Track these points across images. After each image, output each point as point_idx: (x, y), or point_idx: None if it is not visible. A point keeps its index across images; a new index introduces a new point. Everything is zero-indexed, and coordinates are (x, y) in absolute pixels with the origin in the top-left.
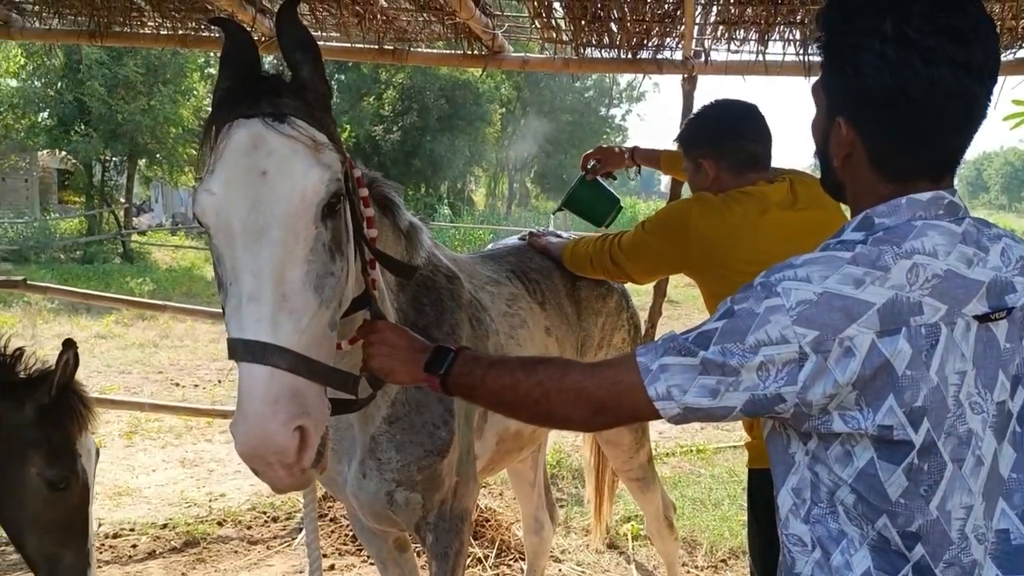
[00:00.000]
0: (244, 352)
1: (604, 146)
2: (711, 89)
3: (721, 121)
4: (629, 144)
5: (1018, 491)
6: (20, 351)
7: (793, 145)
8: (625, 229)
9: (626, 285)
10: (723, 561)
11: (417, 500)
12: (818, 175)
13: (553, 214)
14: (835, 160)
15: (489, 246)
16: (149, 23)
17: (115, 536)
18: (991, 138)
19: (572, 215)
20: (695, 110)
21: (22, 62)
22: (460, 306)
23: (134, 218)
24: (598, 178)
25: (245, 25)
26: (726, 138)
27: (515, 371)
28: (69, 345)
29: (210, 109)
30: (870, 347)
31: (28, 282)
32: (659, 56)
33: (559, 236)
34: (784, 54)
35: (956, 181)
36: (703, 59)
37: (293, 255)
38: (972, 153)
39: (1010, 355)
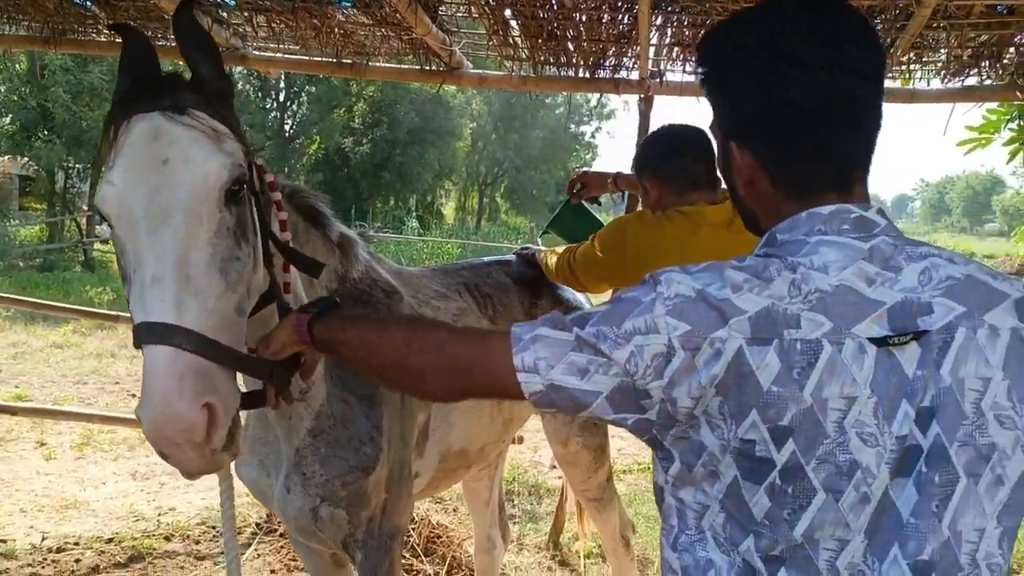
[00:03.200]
0: (148, 334)
1: (589, 171)
2: (669, 109)
3: (662, 143)
4: (600, 162)
5: (914, 538)
6: None
7: None
8: None
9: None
10: None
11: (342, 516)
12: None
13: (540, 237)
14: (740, 190)
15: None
16: (104, 31)
17: (59, 550)
18: (954, 163)
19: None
20: (650, 130)
21: None
22: None
23: (96, 226)
24: (583, 202)
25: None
26: (666, 159)
27: (379, 328)
28: None
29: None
30: (737, 353)
31: None
32: (616, 76)
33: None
34: None
35: (918, 204)
36: (659, 80)
37: (197, 238)
38: (935, 176)
39: (920, 384)
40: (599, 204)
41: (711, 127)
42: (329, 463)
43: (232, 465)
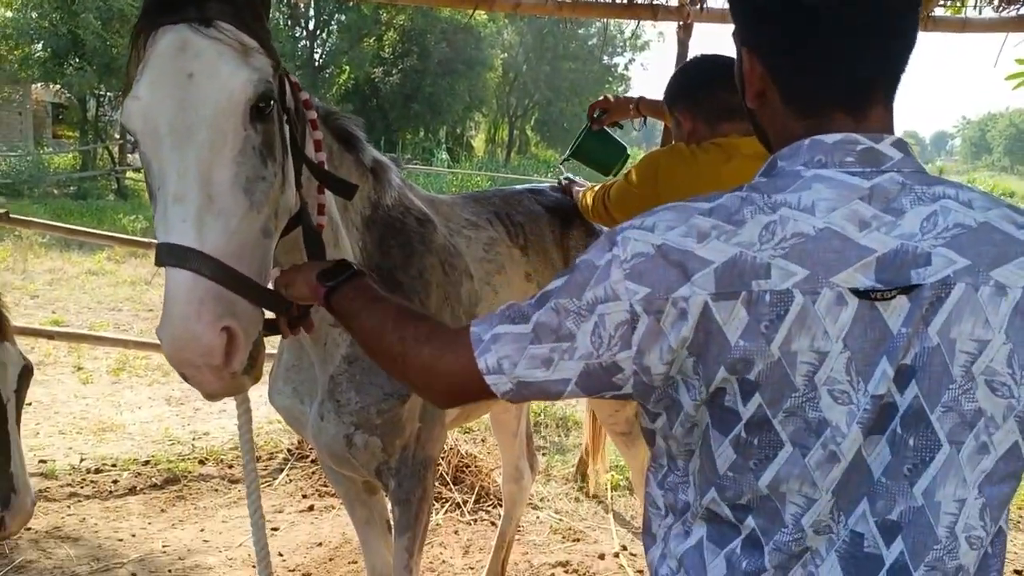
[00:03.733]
0: (168, 255)
1: (610, 96)
2: (709, 38)
3: (695, 74)
4: (633, 94)
5: (884, 497)
6: None
7: None
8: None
9: None
10: None
11: (376, 444)
12: None
13: (560, 164)
14: (750, 102)
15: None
16: None
17: (96, 471)
18: (997, 99)
19: (580, 164)
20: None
21: None
22: (431, 251)
23: (128, 155)
24: (604, 127)
25: None
26: (699, 89)
27: (387, 317)
28: None
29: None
30: (703, 310)
31: (11, 215)
32: (655, 2)
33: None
34: None
35: (959, 142)
36: (699, 6)
37: (221, 156)
38: (976, 113)
39: (904, 342)
40: (620, 128)
41: (732, 36)
42: (364, 390)
43: (264, 391)
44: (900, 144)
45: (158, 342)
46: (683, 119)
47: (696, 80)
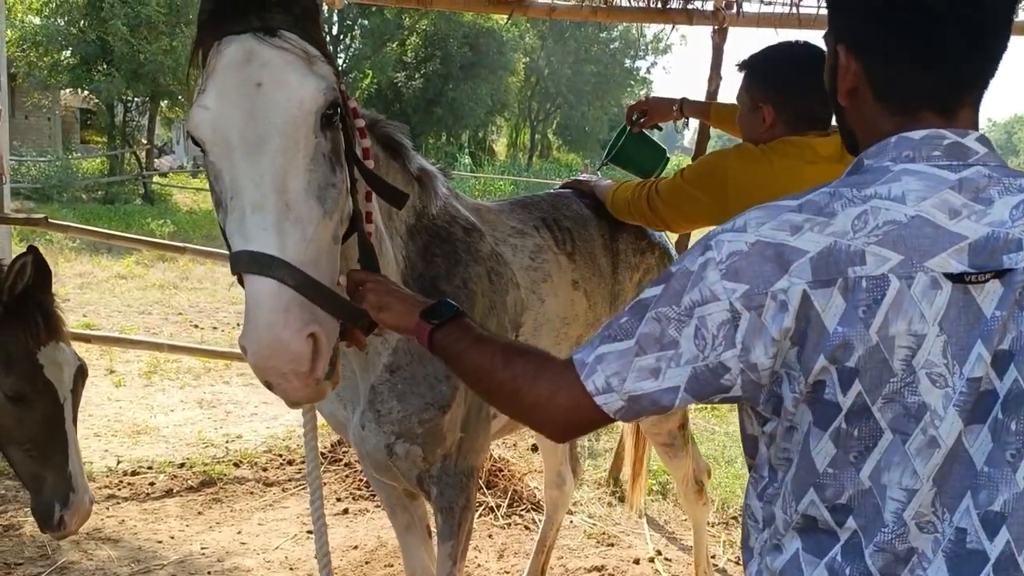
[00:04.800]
0: (250, 263)
1: (651, 97)
2: (742, 42)
3: (799, 72)
4: (653, 94)
5: (987, 488)
6: None
7: None
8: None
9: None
10: (734, 518)
11: (417, 453)
12: None
13: (598, 170)
14: (841, 99)
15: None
16: None
17: (133, 473)
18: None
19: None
20: (741, 59)
21: None
22: (477, 260)
23: (155, 159)
24: (644, 131)
25: None
26: (797, 93)
27: (496, 355)
28: (30, 251)
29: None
30: (802, 299)
31: (49, 220)
32: (689, 6)
33: (604, 181)
34: (819, 7)
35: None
36: (735, 10)
37: (295, 164)
38: (1003, 115)
39: (998, 325)
40: (660, 130)
41: (824, 37)
42: (406, 400)
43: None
44: (984, 139)
45: (190, 345)
46: (767, 113)
47: (797, 81)
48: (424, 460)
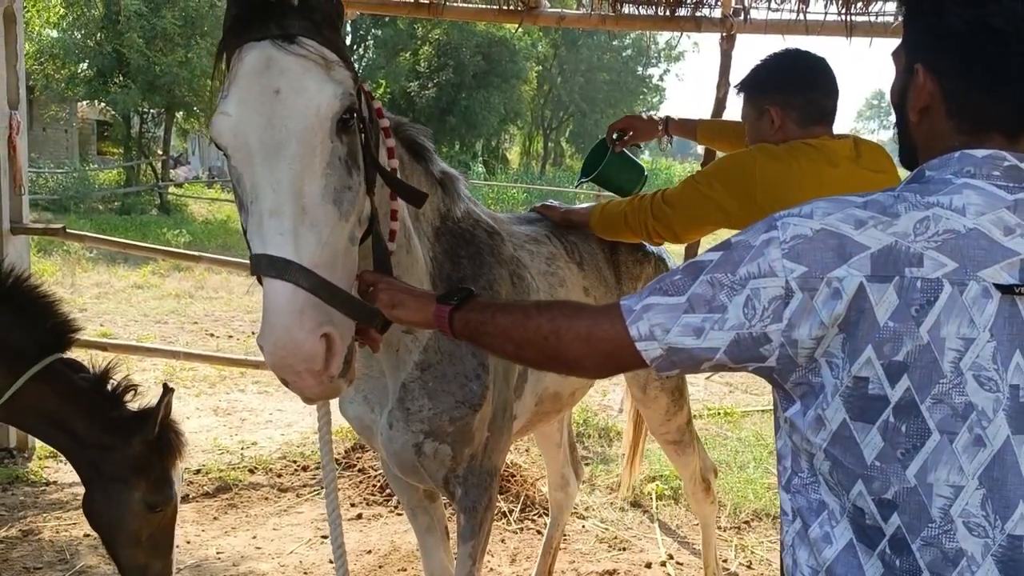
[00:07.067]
0: (268, 267)
1: (633, 116)
2: (750, 49)
3: (794, 70)
4: (663, 108)
5: None
6: (128, 387)
7: None
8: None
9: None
10: (746, 523)
11: (447, 452)
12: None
13: (576, 186)
14: (912, 115)
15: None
16: None
17: None
18: None
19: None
20: (752, 65)
21: (62, 12)
22: (500, 262)
23: (171, 170)
24: (624, 150)
25: None
26: (798, 88)
27: (528, 308)
28: (168, 390)
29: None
30: (858, 290)
31: (67, 230)
32: (698, 14)
33: (577, 206)
34: (826, 13)
35: None
36: (743, 17)
37: (311, 169)
38: None
39: None
40: (639, 148)
41: (894, 53)
42: (437, 397)
43: (334, 400)
44: None
45: (206, 353)
46: (774, 114)
47: (795, 78)
48: (453, 459)
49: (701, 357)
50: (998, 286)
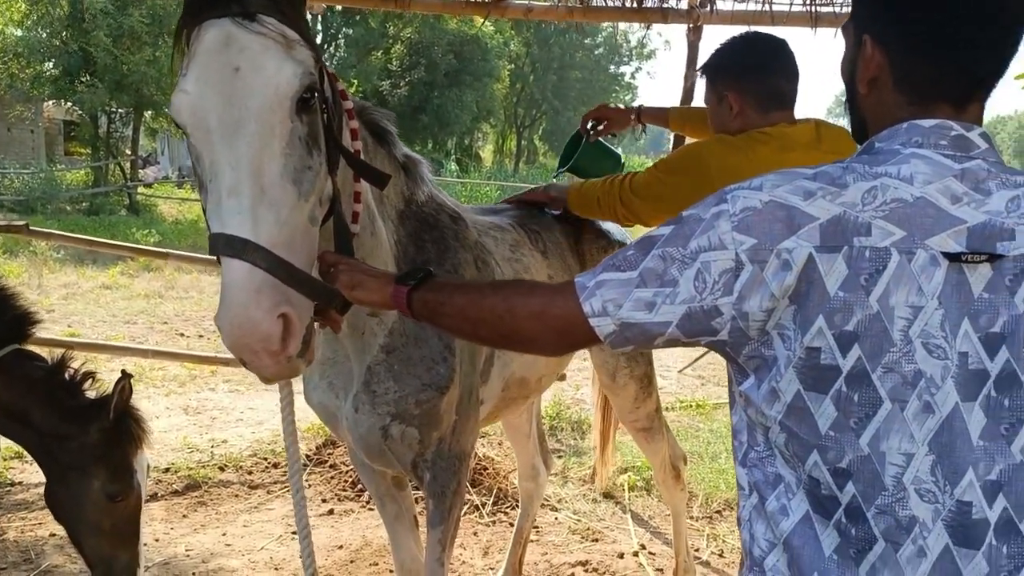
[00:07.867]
0: (225, 246)
1: (607, 106)
2: (717, 40)
3: (750, 53)
4: (637, 102)
5: (984, 460)
6: (86, 375)
7: (800, 97)
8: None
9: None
10: (718, 512)
11: (414, 435)
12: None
13: (555, 177)
14: (861, 87)
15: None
16: None
17: None
18: (1004, 101)
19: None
20: (701, 58)
21: (25, 10)
22: (465, 247)
23: (140, 170)
24: (599, 139)
25: None
26: (754, 71)
27: (483, 287)
28: (125, 375)
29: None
30: (807, 261)
31: (31, 227)
32: (665, 5)
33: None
34: (791, 4)
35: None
36: (709, 8)
37: (270, 148)
38: (985, 116)
39: (986, 307)
40: (614, 136)
41: (843, 27)
42: (403, 380)
43: (299, 386)
44: (986, 136)
45: (175, 351)
46: (732, 100)
47: (751, 60)
48: (420, 443)
49: (654, 332)
50: (946, 254)
